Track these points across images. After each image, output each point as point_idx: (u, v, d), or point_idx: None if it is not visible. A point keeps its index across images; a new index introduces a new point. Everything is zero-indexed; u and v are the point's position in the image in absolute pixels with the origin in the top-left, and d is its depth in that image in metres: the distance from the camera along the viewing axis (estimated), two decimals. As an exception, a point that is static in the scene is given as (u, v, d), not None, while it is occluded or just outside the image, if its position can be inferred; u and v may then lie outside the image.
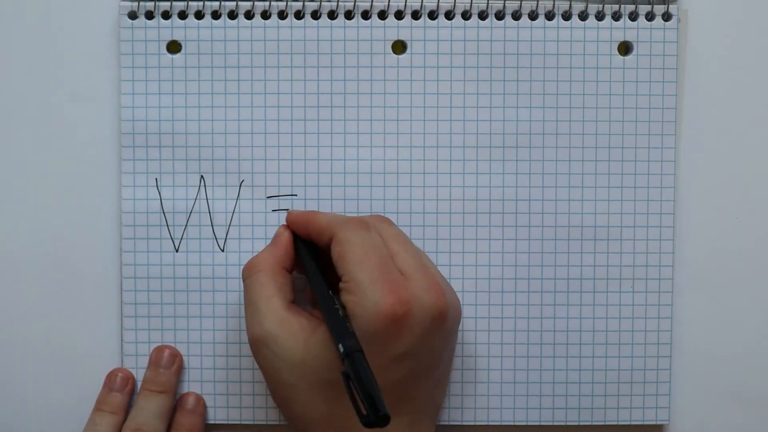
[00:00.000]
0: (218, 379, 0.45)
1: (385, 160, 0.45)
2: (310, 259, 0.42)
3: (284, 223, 0.43)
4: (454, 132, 0.45)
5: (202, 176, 0.45)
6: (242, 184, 0.45)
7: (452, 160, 0.45)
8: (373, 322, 0.37)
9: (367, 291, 0.37)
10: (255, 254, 0.43)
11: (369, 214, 0.45)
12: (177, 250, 0.45)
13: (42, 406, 0.46)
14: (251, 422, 0.45)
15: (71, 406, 0.46)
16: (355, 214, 0.45)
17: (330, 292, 0.40)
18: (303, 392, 0.39)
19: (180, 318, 0.45)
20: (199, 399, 0.45)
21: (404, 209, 0.45)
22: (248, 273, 0.41)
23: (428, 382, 0.40)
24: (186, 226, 0.45)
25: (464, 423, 0.45)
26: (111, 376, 0.45)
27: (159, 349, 0.45)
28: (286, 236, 0.43)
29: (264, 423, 0.45)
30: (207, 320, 0.45)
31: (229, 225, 0.45)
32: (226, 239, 0.45)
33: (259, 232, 0.45)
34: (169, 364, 0.45)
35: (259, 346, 0.40)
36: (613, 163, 0.45)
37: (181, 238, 0.45)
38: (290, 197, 0.45)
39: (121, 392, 0.45)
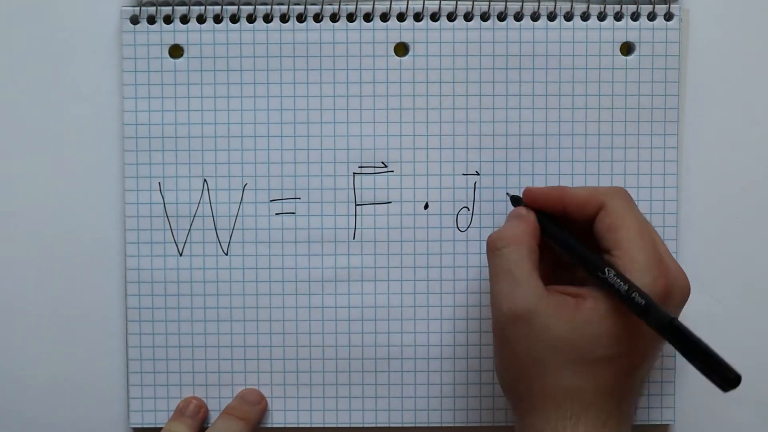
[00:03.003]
0: (223, 383, 0.45)
1: (388, 162, 0.45)
2: (571, 234, 0.40)
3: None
4: (457, 134, 0.45)
5: (205, 180, 0.45)
6: (245, 187, 0.45)
7: (455, 162, 0.45)
8: None
9: (643, 271, 0.37)
10: (497, 230, 0.41)
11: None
12: (181, 254, 0.45)
13: (44, 413, 0.46)
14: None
15: (74, 414, 0.46)
16: (359, 217, 0.45)
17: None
18: (552, 368, 0.38)
19: (184, 322, 0.45)
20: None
21: (408, 211, 0.45)
22: (503, 243, 0.39)
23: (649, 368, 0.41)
24: (189, 230, 0.45)
25: (469, 424, 0.45)
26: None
27: (186, 401, 0.45)
28: (532, 214, 0.41)
29: (269, 426, 0.45)
30: (211, 324, 0.45)
31: (233, 229, 0.45)
32: (229, 243, 0.45)
33: (262, 235, 0.45)
34: (194, 413, 0.45)
35: (515, 321, 0.38)
36: (615, 164, 0.45)
37: (185, 242, 0.45)
38: (294, 200, 0.45)
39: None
